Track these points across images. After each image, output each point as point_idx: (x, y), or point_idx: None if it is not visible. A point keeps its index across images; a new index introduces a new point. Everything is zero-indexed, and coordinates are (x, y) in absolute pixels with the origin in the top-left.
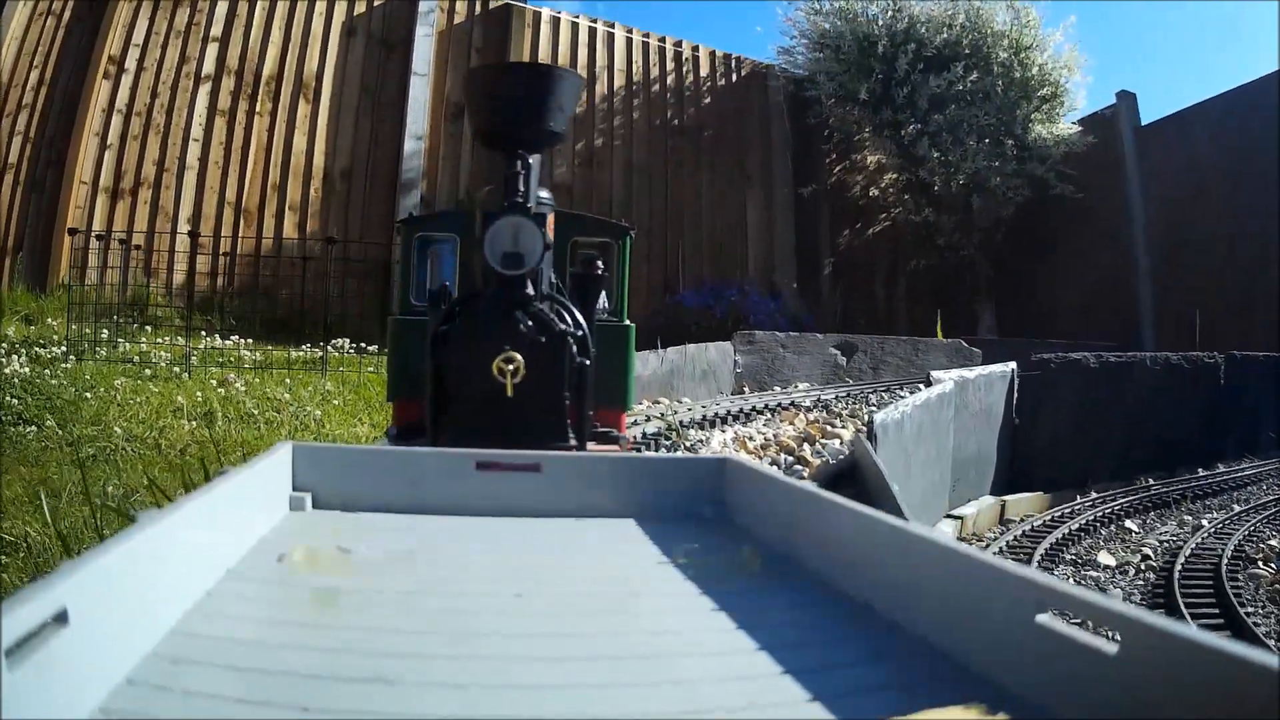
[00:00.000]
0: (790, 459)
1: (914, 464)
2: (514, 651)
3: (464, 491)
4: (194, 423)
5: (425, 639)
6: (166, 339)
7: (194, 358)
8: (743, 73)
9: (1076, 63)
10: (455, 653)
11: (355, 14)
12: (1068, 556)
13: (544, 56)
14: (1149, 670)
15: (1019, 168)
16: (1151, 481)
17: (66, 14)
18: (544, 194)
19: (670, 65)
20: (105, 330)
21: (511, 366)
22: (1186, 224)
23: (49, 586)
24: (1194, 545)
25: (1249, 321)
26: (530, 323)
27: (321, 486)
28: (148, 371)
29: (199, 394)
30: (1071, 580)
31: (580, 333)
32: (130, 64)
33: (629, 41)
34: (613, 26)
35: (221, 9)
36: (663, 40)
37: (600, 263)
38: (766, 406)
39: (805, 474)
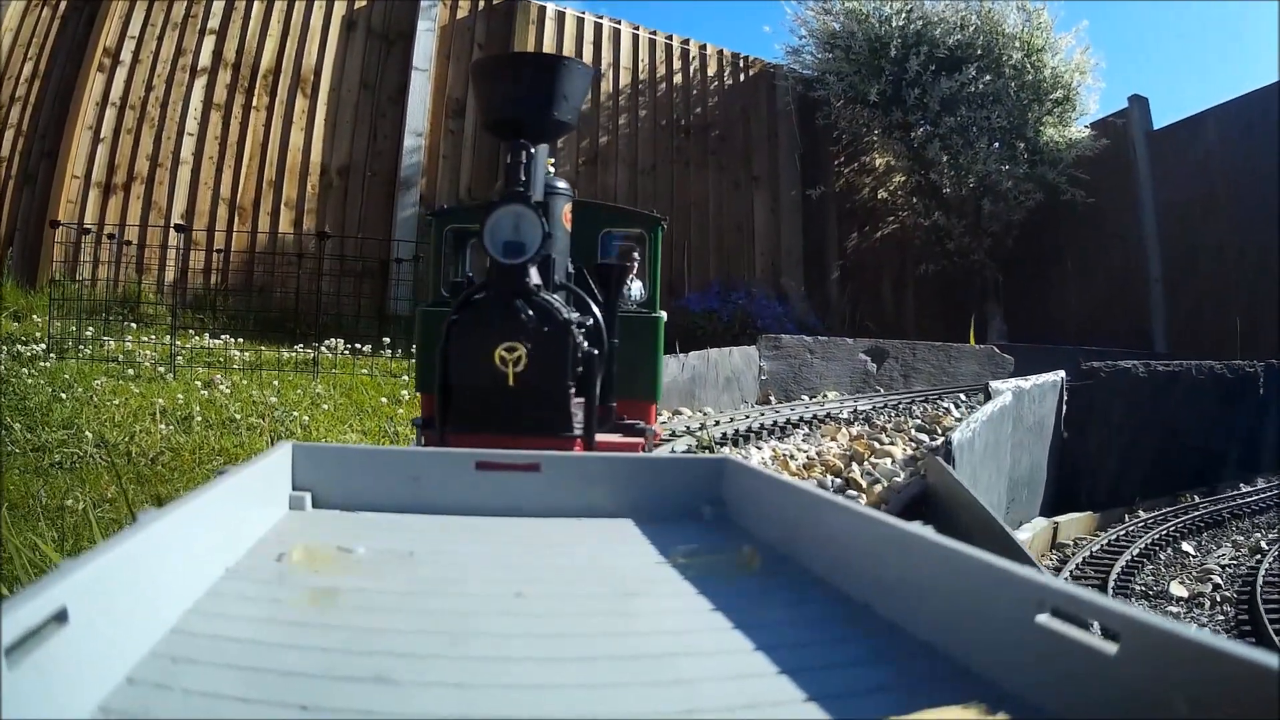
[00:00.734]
0: (838, 481)
1: (979, 487)
2: (513, 651)
3: (464, 491)
4: (170, 428)
5: (425, 639)
6: (153, 337)
7: (180, 357)
8: (751, 72)
9: (1088, 66)
10: (455, 653)
11: (356, 7)
12: (1137, 587)
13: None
14: (1149, 670)
15: (1030, 171)
16: (1197, 498)
17: (63, 4)
18: (561, 184)
19: (677, 64)
20: (91, 328)
21: (514, 356)
22: (1198, 229)
23: (49, 586)
24: (1265, 573)
25: (1261, 327)
26: (531, 312)
27: (321, 486)
28: (130, 371)
29: (180, 396)
30: None
31: (591, 322)
32: (126, 56)
33: (635, 39)
34: (619, 23)
35: (219, 2)
36: (670, 38)
37: (636, 254)
38: (801, 419)
39: (863, 500)
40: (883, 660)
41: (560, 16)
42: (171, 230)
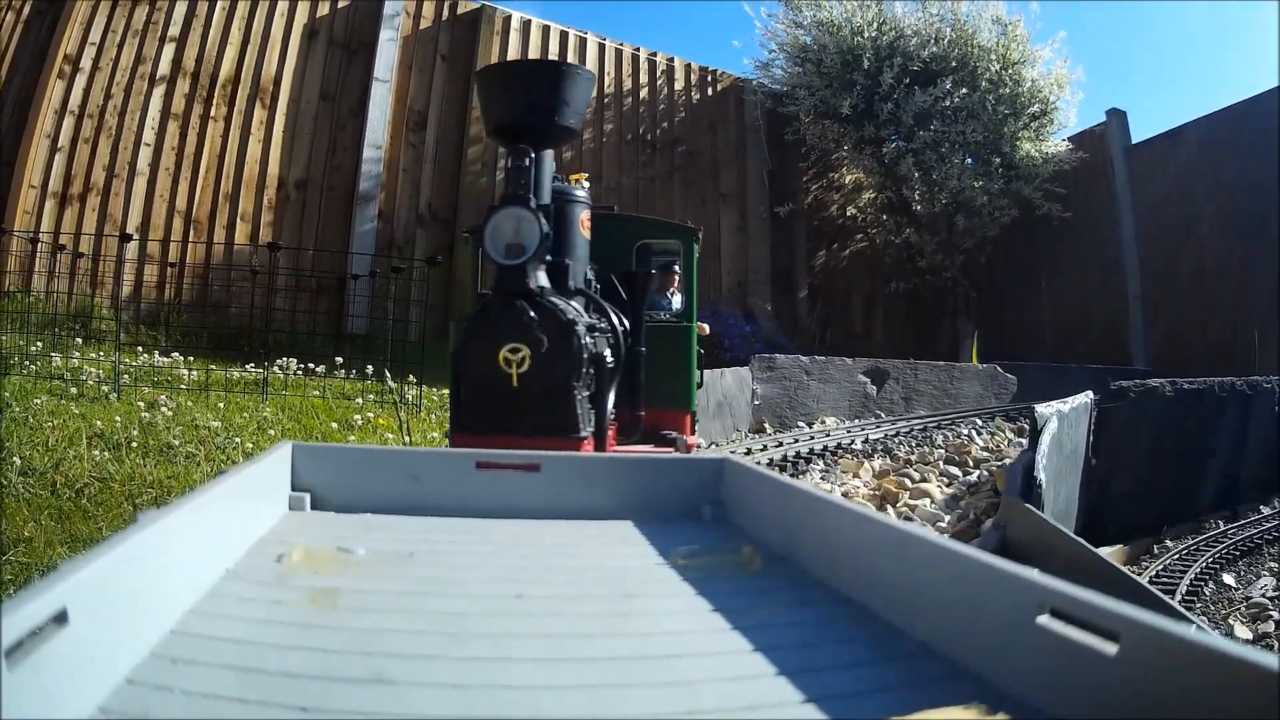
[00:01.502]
0: None
1: None
2: (513, 652)
3: (464, 491)
4: (104, 454)
5: (424, 639)
6: (102, 354)
7: (126, 376)
8: (719, 87)
9: (1066, 79)
10: (454, 653)
11: (318, 15)
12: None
13: None
14: (1149, 670)
15: (1005, 187)
16: (1222, 524)
17: (26, 9)
18: (580, 192)
19: (644, 77)
20: (40, 343)
21: (518, 356)
22: (1178, 244)
23: (49, 587)
24: None
25: (1243, 341)
26: (535, 313)
27: (321, 486)
28: (74, 390)
29: (119, 419)
30: None
31: (606, 325)
32: (86, 63)
33: (602, 50)
34: (586, 34)
35: (181, 8)
36: (637, 50)
37: (677, 267)
38: (812, 452)
39: None
40: (883, 660)
41: (526, 26)
42: (124, 243)
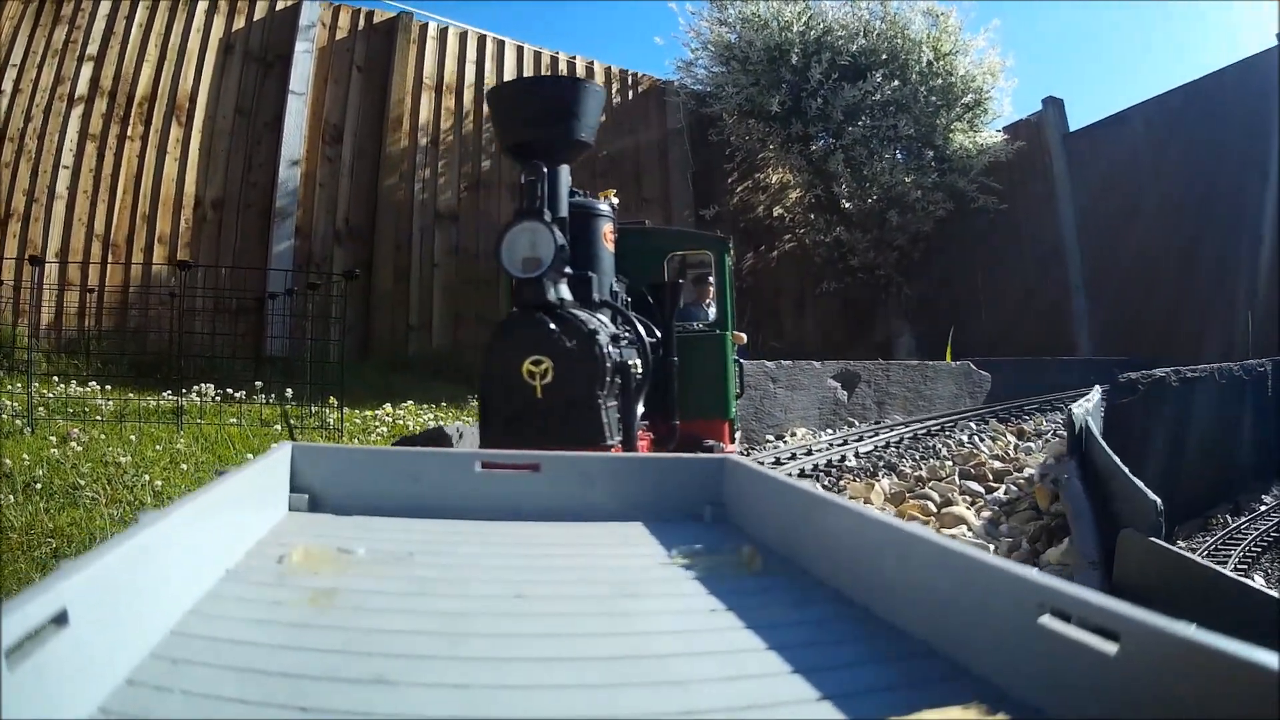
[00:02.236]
0: None
1: None
2: (514, 652)
3: (464, 492)
4: (11, 497)
5: (425, 640)
6: (19, 386)
7: (41, 409)
8: (640, 89)
9: (1000, 68)
10: (455, 653)
11: (234, 29)
12: None
13: (429, 73)
14: (1149, 670)
15: (939, 180)
16: (1229, 518)
17: None
18: (604, 206)
19: None
20: None
21: (541, 369)
22: (1119, 230)
23: (49, 587)
24: None
25: (1186, 329)
26: (555, 325)
27: (321, 487)
28: None
29: (26, 456)
30: None
31: (632, 335)
32: (6, 85)
33: (520, 55)
34: (503, 40)
35: (100, 26)
36: (555, 55)
37: (711, 280)
38: (803, 472)
39: None
40: (883, 660)
41: (443, 34)
42: (36, 268)
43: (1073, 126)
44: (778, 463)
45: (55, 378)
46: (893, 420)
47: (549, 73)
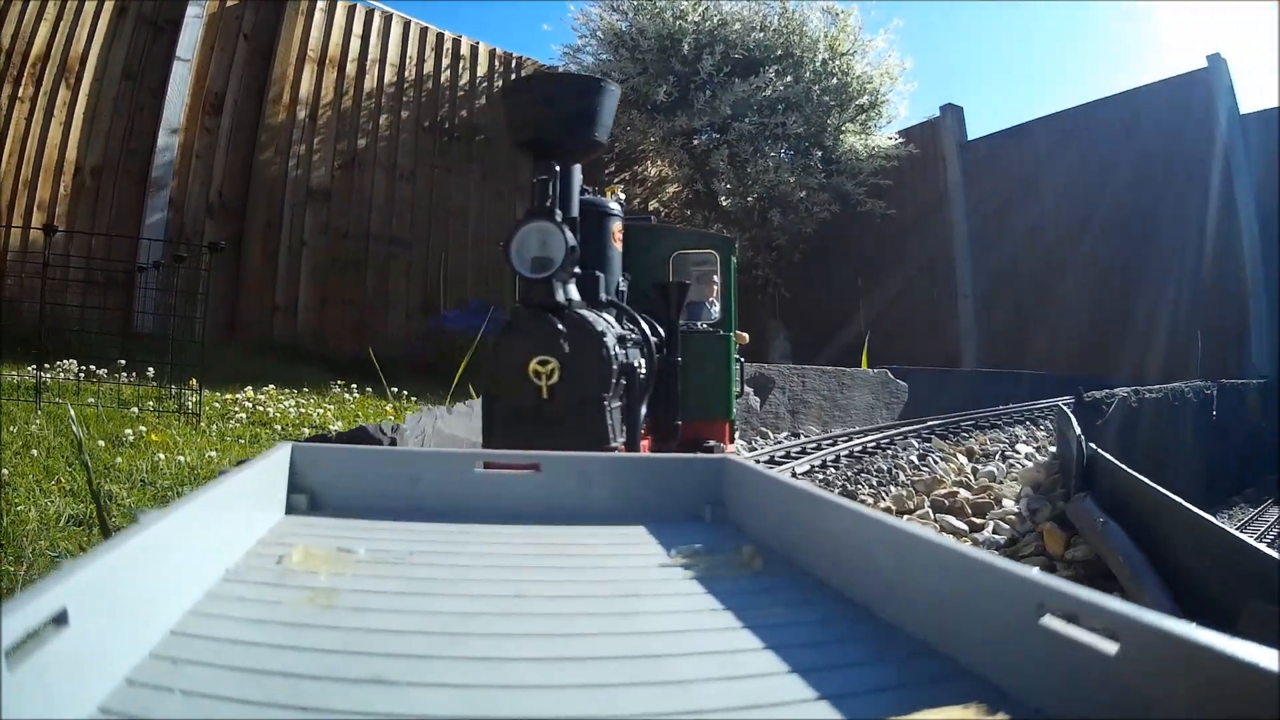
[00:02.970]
0: None
1: None
2: (514, 652)
3: (464, 492)
4: None
5: (425, 640)
6: None
7: None
8: (523, 73)
9: (898, 70)
10: (455, 653)
11: None
12: None
13: (314, 45)
14: (1149, 670)
15: (825, 181)
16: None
17: None
18: (613, 204)
19: (447, 61)
20: None
21: (547, 369)
22: (1016, 241)
23: (48, 587)
24: None
25: (1081, 341)
26: (563, 325)
27: (321, 487)
28: None
29: None
30: None
31: (638, 336)
32: None
33: (406, 29)
34: (391, 14)
35: None
36: (442, 33)
37: (716, 279)
38: None
39: None
40: (883, 660)
41: (331, 5)
42: None
43: (972, 135)
44: None
45: None
46: (810, 432)
47: (433, 50)
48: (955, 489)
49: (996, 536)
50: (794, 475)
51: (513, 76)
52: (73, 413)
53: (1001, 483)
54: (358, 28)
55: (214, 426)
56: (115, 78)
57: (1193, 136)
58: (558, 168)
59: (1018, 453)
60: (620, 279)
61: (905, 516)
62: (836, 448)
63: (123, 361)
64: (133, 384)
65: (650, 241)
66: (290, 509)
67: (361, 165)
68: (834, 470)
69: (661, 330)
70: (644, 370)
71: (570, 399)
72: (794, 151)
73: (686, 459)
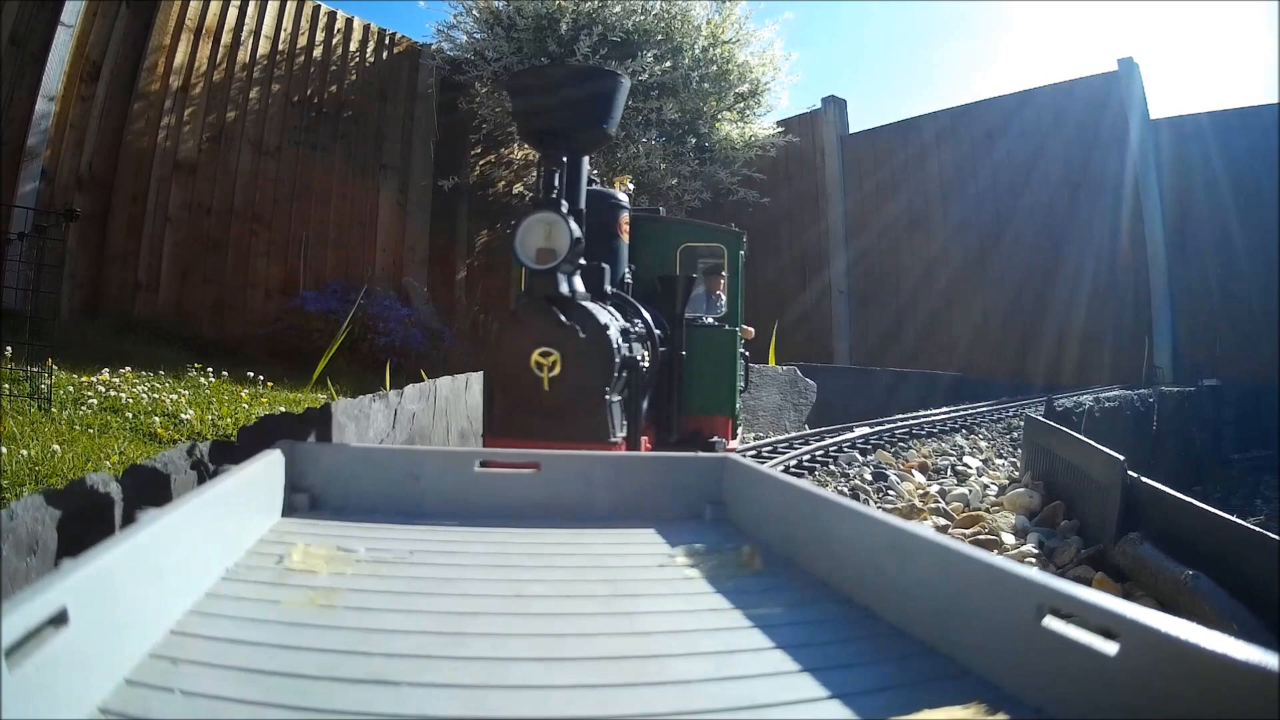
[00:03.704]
0: None
1: None
2: (513, 651)
3: (464, 491)
4: None
5: (425, 639)
6: None
7: None
8: (395, 50)
9: (781, 61)
10: (455, 653)
11: None
12: None
13: (193, 13)
14: (1149, 670)
15: (699, 169)
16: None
17: None
18: (621, 195)
19: (320, 34)
20: None
21: (549, 360)
22: (890, 239)
23: (48, 587)
24: None
25: (958, 341)
26: (566, 317)
27: (320, 486)
28: None
29: None
30: None
31: (641, 329)
32: None
33: (283, 3)
34: None
35: None
36: (318, 6)
37: (724, 274)
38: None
39: None
40: (883, 660)
41: None
42: None
43: (854, 129)
44: None
45: None
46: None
47: (309, 23)
48: (938, 519)
49: None
50: None
51: (384, 54)
52: None
53: (990, 511)
54: None
55: (65, 413)
56: (3, 42)
57: (1095, 138)
58: (565, 158)
59: (968, 467)
60: (625, 271)
61: None
62: (774, 460)
63: None
64: None
65: (657, 233)
66: (290, 508)
67: (229, 140)
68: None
69: (666, 323)
70: (646, 364)
71: (572, 391)
72: (666, 138)
73: (687, 458)
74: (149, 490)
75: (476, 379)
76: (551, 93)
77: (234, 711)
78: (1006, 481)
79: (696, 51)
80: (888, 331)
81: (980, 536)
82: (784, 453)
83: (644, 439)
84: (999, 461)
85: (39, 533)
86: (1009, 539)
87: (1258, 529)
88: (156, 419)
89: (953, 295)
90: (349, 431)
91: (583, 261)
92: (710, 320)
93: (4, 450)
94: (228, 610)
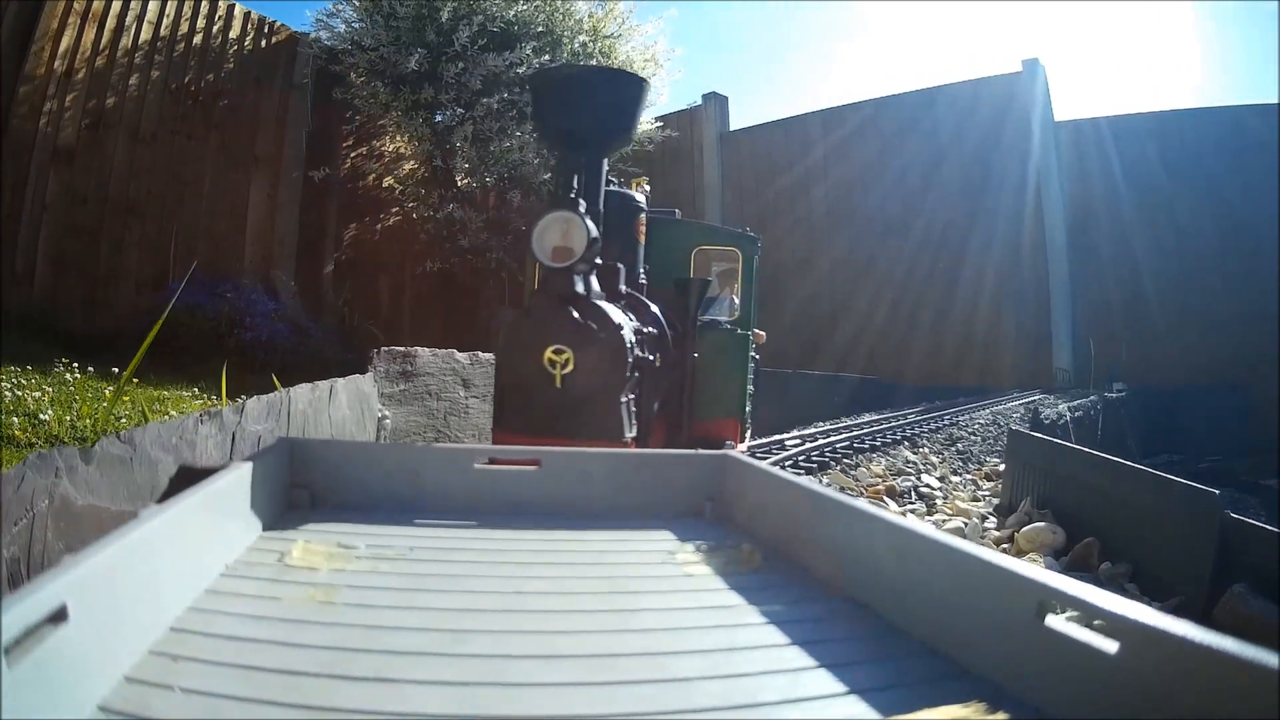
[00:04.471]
0: None
1: None
2: (513, 648)
3: (464, 488)
4: None
5: (425, 637)
6: None
7: None
8: (275, 39)
9: (663, 56)
10: (455, 651)
11: None
12: None
13: None
14: (1149, 670)
15: None
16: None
17: None
18: (639, 197)
19: (202, 21)
20: None
21: (562, 358)
22: (779, 235)
23: (48, 584)
24: None
25: (835, 341)
26: (580, 316)
27: (321, 483)
28: None
29: None
30: None
31: (649, 331)
32: None
33: None
34: None
35: None
36: None
37: (724, 275)
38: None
39: None
40: (883, 659)
41: None
42: None
43: (736, 126)
44: None
45: None
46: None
47: (191, 7)
48: None
49: None
50: None
51: (263, 43)
52: None
53: (997, 547)
54: None
55: None
56: None
57: (998, 139)
58: (585, 159)
59: (931, 488)
60: (640, 272)
61: None
62: None
63: None
64: None
65: (673, 235)
66: (291, 504)
67: (108, 127)
68: None
69: (679, 324)
70: (659, 365)
71: (584, 390)
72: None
73: (687, 456)
74: None
75: (344, 387)
76: (572, 95)
77: (234, 709)
78: (990, 510)
79: (576, 45)
80: (780, 333)
81: None
82: None
83: (654, 439)
84: (955, 479)
85: None
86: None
87: None
88: (16, 419)
89: (849, 296)
90: (161, 468)
91: (599, 261)
92: (724, 322)
93: None
94: (228, 607)
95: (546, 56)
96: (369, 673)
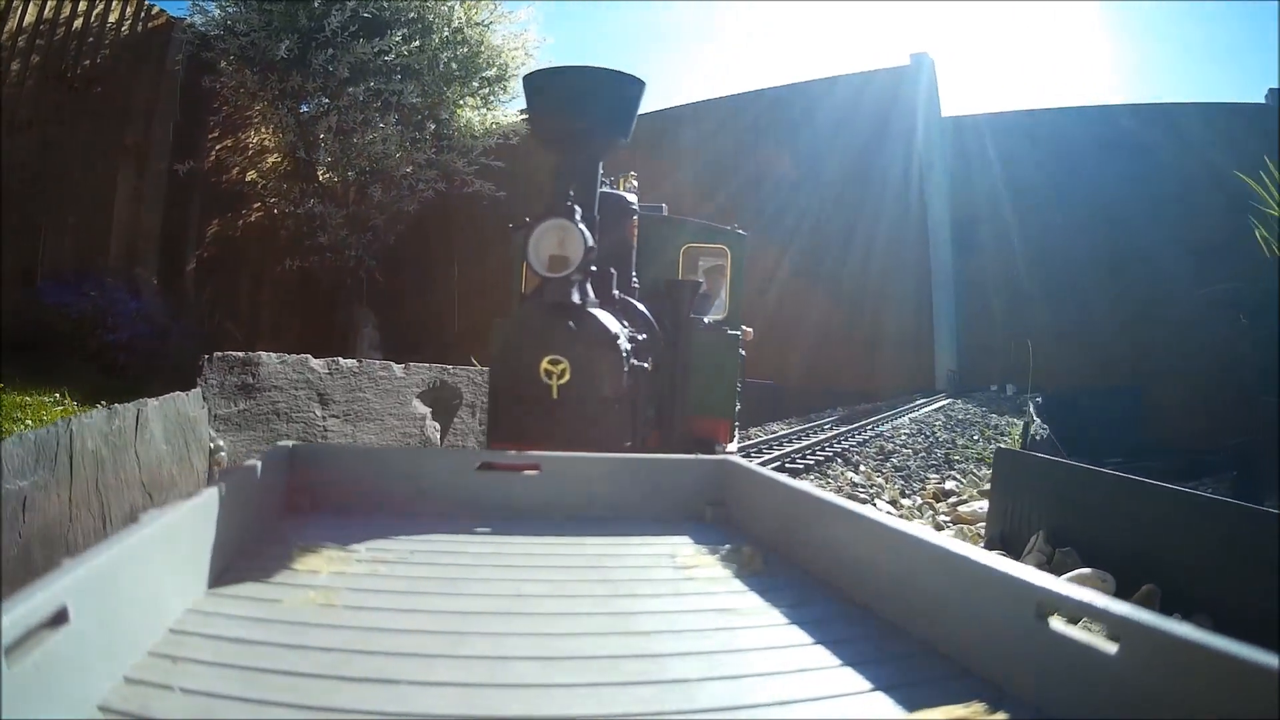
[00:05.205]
0: None
1: None
2: (513, 651)
3: (465, 492)
4: None
5: (425, 639)
6: None
7: None
8: (153, 25)
9: (535, 45)
10: (455, 652)
11: None
12: None
13: None
14: (1149, 670)
15: (435, 157)
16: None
17: None
18: (630, 196)
19: (83, 5)
20: None
21: (559, 368)
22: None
23: (48, 585)
24: None
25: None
26: (576, 325)
27: (321, 486)
28: None
29: None
30: None
31: (643, 337)
32: None
33: None
34: None
35: None
36: None
37: (712, 273)
38: None
39: None
40: (883, 660)
41: None
42: None
43: None
44: None
45: None
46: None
47: None
48: None
49: None
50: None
51: (139, 27)
52: None
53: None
54: None
55: None
56: None
57: (883, 134)
58: (580, 164)
59: (893, 510)
60: (632, 275)
61: None
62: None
63: None
64: None
65: (660, 233)
66: (292, 508)
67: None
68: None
69: (670, 326)
70: (652, 370)
71: (580, 400)
72: (405, 124)
73: (687, 460)
74: None
75: (158, 413)
76: (566, 97)
77: (234, 710)
78: (979, 540)
79: (447, 32)
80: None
81: None
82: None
83: (649, 444)
84: (905, 502)
85: None
86: None
87: None
88: None
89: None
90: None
91: (593, 268)
92: (711, 320)
93: None
94: (228, 609)
95: (416, 43)
96: (369, 674)
